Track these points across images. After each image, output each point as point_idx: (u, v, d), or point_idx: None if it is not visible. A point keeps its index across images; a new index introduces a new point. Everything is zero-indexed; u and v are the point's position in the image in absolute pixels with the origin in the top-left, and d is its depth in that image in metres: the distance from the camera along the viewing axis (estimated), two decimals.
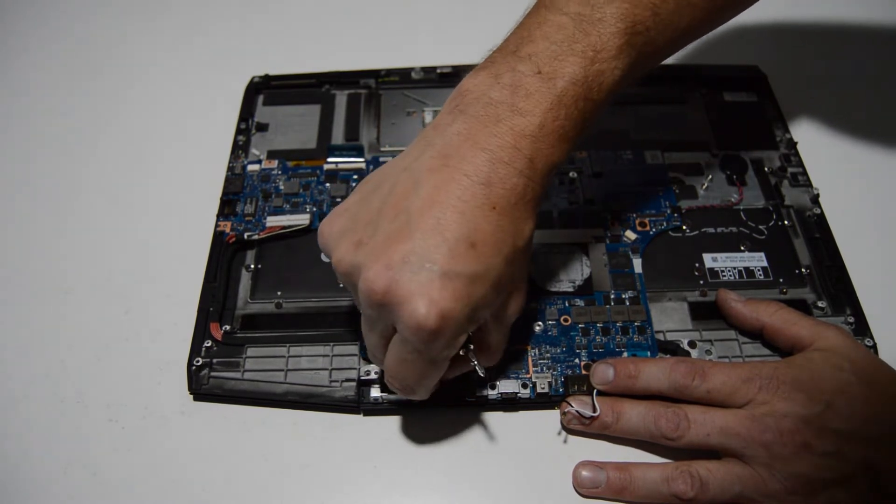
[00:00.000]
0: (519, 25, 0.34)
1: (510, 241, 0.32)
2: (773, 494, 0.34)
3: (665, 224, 0.45)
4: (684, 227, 0.45)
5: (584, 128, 0.33)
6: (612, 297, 0.42)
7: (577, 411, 0.38)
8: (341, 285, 0.35)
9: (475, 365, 0.34)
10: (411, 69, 0.54)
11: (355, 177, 0.48)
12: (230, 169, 0.49)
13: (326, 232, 0.34)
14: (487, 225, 0.31)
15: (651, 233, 0.45)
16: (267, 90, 0.54)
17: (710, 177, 0.48)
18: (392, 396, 0.39)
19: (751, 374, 0.35)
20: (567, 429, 0.39)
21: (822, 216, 0.46)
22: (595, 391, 0.38)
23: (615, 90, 0.33)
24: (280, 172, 0.49)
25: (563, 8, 0.33)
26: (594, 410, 0.37)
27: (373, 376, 0.39)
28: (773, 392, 0.35)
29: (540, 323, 0.41)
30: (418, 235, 0.30)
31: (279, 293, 0.43)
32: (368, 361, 0.40)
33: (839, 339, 0.37)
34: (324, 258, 0.44)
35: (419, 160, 0.32)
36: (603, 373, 0.38)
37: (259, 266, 0.45)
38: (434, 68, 0.54)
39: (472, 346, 0.34)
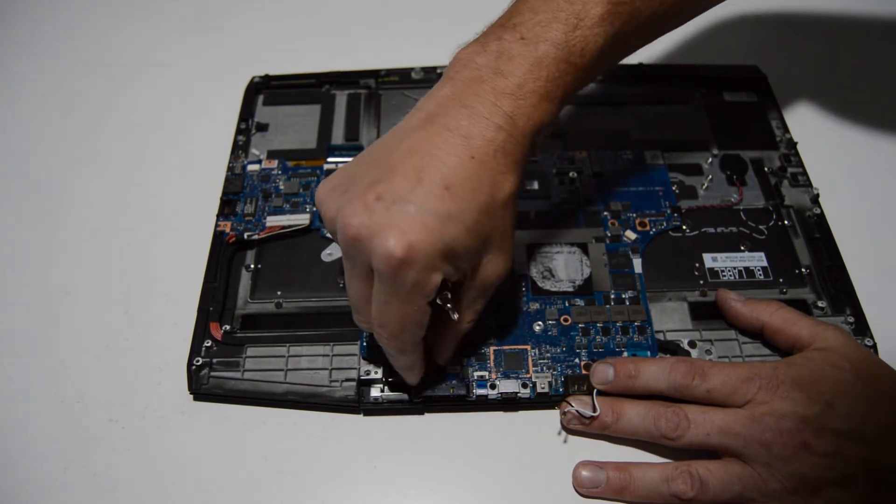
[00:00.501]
0: (511, 3, 0.36)
1: (487, 190, 0.33)
2: (772, 494, 0.34)
3: (665, 224, 0.45)
4: (684, 227, 0.45)
5: (567, 90, 0.35)
6: (612, 296, 0.42)
7: (577, 411, 0.38)
8: (328, 234, 0.36)
9: (449, 311, 0.35)
10: (411, 69, 0.54)
11: None
12: (230, 169, 0.49)
13: (321, 190, 0.35)
14: (464, 171, 0.32)
15: (651, 233, 0.45)
16: (267, 90, 0.54)
17: (710, 177, 0.48)
18: (392, 396, 0.39)
19: (750, 374, 0.35)
20: (567, 429, 0.39)
21: (822, 216, 0.46)
22: (595, 391, 0.38)
23: (601, 57, 0.35)
24: (280, 172, 0.49)
25: None
26: (594, 410, 0.37)
27: (373, 376, 0.39)
28: (773, 392, 0.35)
29: (540, 323, 0.41)
30: (396, 178, 0.32)
31: (279, 293, 0.43)
32: (368, 361, 0.40)
33: (839, 339, 0.37)
34: (324, 256, 0.45)
35: (408, 122, 0.34)
36: (603, 373, 0.38)
37: (259, 266, 0.45)
38: (434, 68, 0.54)
39: (448, 294, 0.34)
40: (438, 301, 0.34)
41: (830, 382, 0.35)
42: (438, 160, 0.32)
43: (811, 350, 0.37)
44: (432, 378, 0.39)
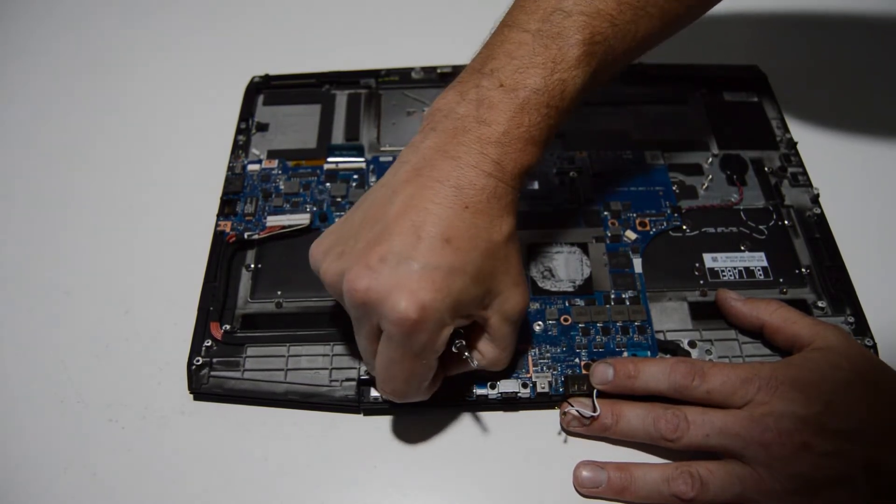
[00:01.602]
0: (484, 45, 0.36)
1: (485, 236, 0.33)
2: (773, 494, 0.34)
3: (665, 224, 0.45)
4: (684, 227, 0.45)
5: (550, 132, 0.35)
6: (613, 296, 0.42)
7: (577, 412, 0.37)
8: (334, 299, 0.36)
9: (468, 359, 0.35)
10: (411, 69, 0.54)
11: (355, 176, 0.48)
12: (230, 169, 0.49)
13: (315, 252, 0.36)
14: (461, 222, 0.33)
15: (651, 232, 0.45)
16: (267, 90, 0.54)
17: (710, 177, 0.48)
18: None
19: (750, 375, 0.35)
20: (567, 430, 0.39)
21: (822, 216, 0.46)
22: (595, 391, 0.38)
23: (578, 97, 0.35)
24: (280, 172, 0.49)
25: (523, 25, 0.35)
26: (594, 410, 0.37)
27: (373, 376, 0.39)
28: (773, 392, 0.35)
29: (540, 322, 0.41)
30: (395, 237, 0.32)
31: (279, 293, 0.43)
32: None
33: (838, 338, 0.37)
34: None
35: (395, 176, 0.34)
36: (602, 373, 0.38)
37: (259, 266, 0.44)
38: (434, 68, 0.54)
39: (463, 342, 0.35)
40: (455, 349, 0.34)
41: (830, 383, 0.35)
42: (434, 214, 0.32)
43: (810, 350, 0.37)
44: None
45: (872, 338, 0.41)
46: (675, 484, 0.35)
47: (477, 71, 0.35)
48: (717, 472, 0.35)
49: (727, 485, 0.34)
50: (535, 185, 0.48)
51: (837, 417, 0.34)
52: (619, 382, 0.38)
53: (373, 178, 0.48)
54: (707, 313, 0.42)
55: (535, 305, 0.42)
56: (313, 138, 0.51)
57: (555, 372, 0.40)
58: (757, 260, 0.44)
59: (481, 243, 0.33)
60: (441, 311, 0.32)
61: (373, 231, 0.33)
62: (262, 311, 0.43)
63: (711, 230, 0.45)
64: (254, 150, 0.50)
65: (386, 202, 0.33)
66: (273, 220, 0.46)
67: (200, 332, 0.41)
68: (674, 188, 0.47)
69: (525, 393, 0.39)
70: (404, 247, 0.32)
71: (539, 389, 0.39)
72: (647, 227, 0.45)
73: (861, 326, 0.41)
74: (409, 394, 0.35)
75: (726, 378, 0.36)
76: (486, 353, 0.36)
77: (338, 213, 0.46)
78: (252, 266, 0.44)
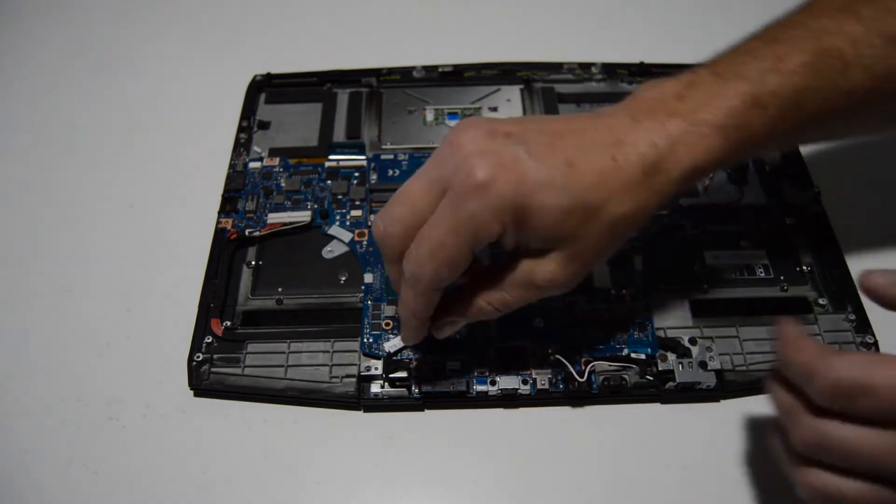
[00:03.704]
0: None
1: (604, 195, 0.30)
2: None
3: (666, 221, 0.45)
4: (685, 225, 0.45)
5: (747, 134, 0.32)
6: (613, 293, 0.42)
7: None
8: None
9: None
10: (413, 68, 0.54)
11: (356, 174, 0.48)
12: (232, 166, 0.49)
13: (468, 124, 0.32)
14: (592, 164, 0.30)
15: (652, 230, 0.45)
16: (269, 88, 0.54)
17: (712, 175, 0.48)
18: (392, 392, 0.39)
19: None
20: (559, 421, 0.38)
21: (823, 214, 0.46)
22: None
23: (791, 109, 0.32)
24: (281, 170, 0.49)
25: (757, 34, 0.34)
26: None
27: (373, 372, 0.39)
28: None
29: (540, 319, 0.41)
30: (535, 130, 0.31)
31: (280, 289, 0.43)
32: (369, 357, 0.40)
33: None
34: (325, 253, 0.44)
35: (580, 114, 0.33)
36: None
37: (260, 262, 0.45)
38: (435, 67, 0.54)
39: None
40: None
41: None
42: (581, 142, 0.31)
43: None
44: (433, 374, 0.39)
45: (874, 335, 0.41)
46: None
47: (701, 66, 0.33)
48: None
49: None
50: None
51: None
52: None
53: (374, 176, 0.48)
54: (708, 310, 0.42)
55: (535, 302, 0.42)
56: (315, 136, 0.51)
57: (555, 368, 0.40)
58: (758, 258, 0.44)
59: (595, 195, 0.30)
60: (504, 199, 0.29)
61: (525, 120, 0.32)
62: (262, 308, 0.43)
63: (712, 228, 0.45)
64: (255, 148, 0.50)
65: (557, 118, 0.33)
66: (274, 218, 0.46)
67: (201, 328, 0.41)
68: None
69: (525, 390, 0.39)
70: (532, 140, 0.30)
71: (539, 386, 0.39)
72: (648, 225, 0.45)
73: (862, 324, 0.41)
74: (429, 275, 0.31)
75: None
76: (486, 292, 0.34)
77: (339, 211, 0.46)
78: (253, 263, 0.45)
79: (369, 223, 0.46)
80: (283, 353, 0.40)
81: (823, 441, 0.27)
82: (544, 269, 0.32)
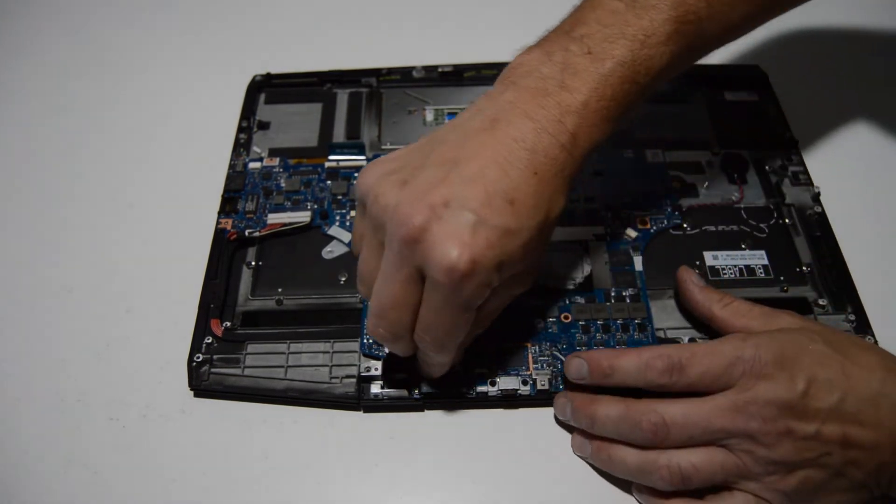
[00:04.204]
0: (575, 9, 0.36)
1: (545, 208, 0.33)
2: (751, 476, 0.33)
3: (666, 222, 0.45)
4: (685, 226, 0.45)
5: (626, 110, 0.35)
6: (613, 294, 0.42)
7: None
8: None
9: None
10: (412, 68, 0.54)
11: (356, 174, 0.48)
12: (232, 166, 0.49)
13: (372, 171, 0.34)
14: (527, 187, 0.32)
15: (652, 231, 0.45)
16: (269, 88, 0.54)
17: (711, 175, 0.48)
18: (392, 392, 0.39)
19: (733, 359, 0.34)
20: (558, 420, 0.39)
21: (822, 214, 0.46)
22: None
23: (661, 76, 0.35)
24: (281, 170, 0.49)
25: None
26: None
27: (373, 373, 0.39)
28: (757, 375, 0.33)
29: (540, 320, 0.41)
30: (462, 183, 0.32)
31: (280, 290, 0.43)
32: (369, 358, 0.40)
33: (795, 320, 0.37)
34: (325, 254, 0.45)
35: (469, 122, 0.34)
36: (577, 369, 0.37)
37: (260, 263, 0.45)
38: (435, 67, 0.54)
39: None
40: None
41: (809, 356, 0.34)
42: (504, 172, 0.32)
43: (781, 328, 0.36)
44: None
45: (874, 336, 0.41)
46: (654, 478, 0.34)
47: (566, 33, 0.35)
48: (701, 465, 0.34)
49: (710, 475, 0.34)
50: None
51: (818, 396, 0.33)
52: (595, 380, 0.36)
53: None
54: None
55: (535, 303, 0.42)
56: (314, 136, 0.51)
57: (555, 369, 0.40)
58: (758, 258, 0.44)
59: (539, 215, 0.33)
60: (489, 270, 0.31)
61: (440, 170, 0.32)
62: (262, 309, 0.43)
63: (712, 228, 0.45)
64: (255, 148, 0.50)
65: (458, 146, 0.33)
66: (274, 218, 0.46)
67: (201, 328, 0.41)
68: (675, 186, 0.47)
69: (525, 390, 0.39)
70: (468, 196, 0.31)
71: (539, 387, 0.39)
72: (648, 226, 0.45)
73: (862, 324, 0.41)
74: (448, 345, 0.34)
75: (707, 368, 0.34)
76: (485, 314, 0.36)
77: (338, 211, 0.46)
78: (253, 263, 0.45)
79: None
80: (283, 353, 0.40)
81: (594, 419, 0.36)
82: (517, 287, 0.36)
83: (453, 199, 0.31)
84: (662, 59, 0.34)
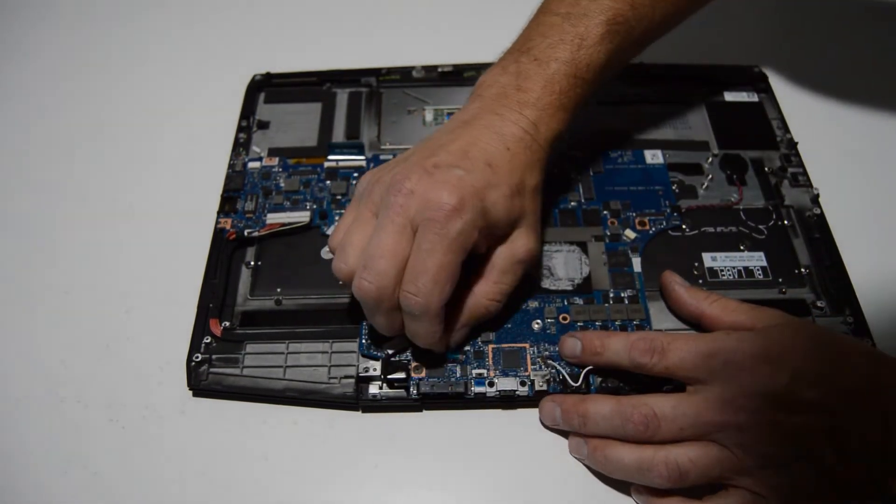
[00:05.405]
0: (522, 30, 0.43)
1: (520, 174, 0.38)
2: (746, 471, 0.33)
3: (665, 223, 0.46)
4: (684, 227, 0.46)
5: (577, 100, 0.41)
6: (611, 295, 0.42)
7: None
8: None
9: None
10: (412, 68, 0.54)
11: (356, 174, 0.48)
12: (231, 166, 0.49)
13: (367, 172, 0.40)
14: (501, 157, 0.38)
15: (650, 232, 0.45)
16: (268, 88, 0.54)
17: (710, 176, 0.48)
18: (391, 393, 0.39)
19: (712, 348, 0.35)
20: (544, 424, 0.39)
21: (821, 216, 0.46)
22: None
23: (603, 70, 0.41)
24: (281, 170, 0.49)
25: (555, 10, 0.42)
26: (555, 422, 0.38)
27: (372, 373, 0.39)
28: (742, 368, 0.34)
29: (538, 321, 0.41)
30: (447, 154, 0.37)
31: (279, 290, 0.43)
32: (367, 358, 0.40)
33: (782, 316, 0.37)
34: (324, 254, 0.45)
35: (447, 126, 0.40)
36: (571, 347, 0.39)
37: (259, 263, 0.45)
38: (435, 67, 0.54)
39: None
40: None
41: (794, 351, 0.34)
42: (481, 147, 0.38)
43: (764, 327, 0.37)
44: (431, 374, 0.39)
45: (871, 338, 0.41)
46: (651, 475, 0.35)
47: (516, 50, 0.41)
48: (697, 460, 0.34)
49: (707, 469, 0.34)
50: None
51: (804, 388, 0.33)
52: (587, 358, 0.38)
53: None
54: None
55: (533, 304, 0.42)
56: (314, 136, 0.51)
57: (553, 370, 0.40)
58: (756, 260, 0.44)
59: (516, 177, 0.38)
60: (475, 210, 0.36)
61: (428, 151, 0.38)
62: (261, 309, 0.43)
63: (711, 230, 0.45)
64: (254, 148, 0.50)
65: (440, 140, 0.39)
66: (273, 218, 0.46)
67: (200, 328, 0.41)
68: (673, 188, 0.47)
69: (523, 391, 0.39)
70: (455, 161, 0.37)
71: (537, 387, 0.39)
72: (647, 227, 0.45)
73: (860, 326, 0.41)
74: (434, 297, 0.35)
75: (686, 354, 0.35)
76: (484, 291, 0.39)
77: (338, 212, 0.46)
78: (252, 263, 0.45)
79: None
80: (282, 353, 0.41)
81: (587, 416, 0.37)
82: (519, 245, 0.39)
83: (441, 161, 0.37)
84: (600, 56, 0.41)
